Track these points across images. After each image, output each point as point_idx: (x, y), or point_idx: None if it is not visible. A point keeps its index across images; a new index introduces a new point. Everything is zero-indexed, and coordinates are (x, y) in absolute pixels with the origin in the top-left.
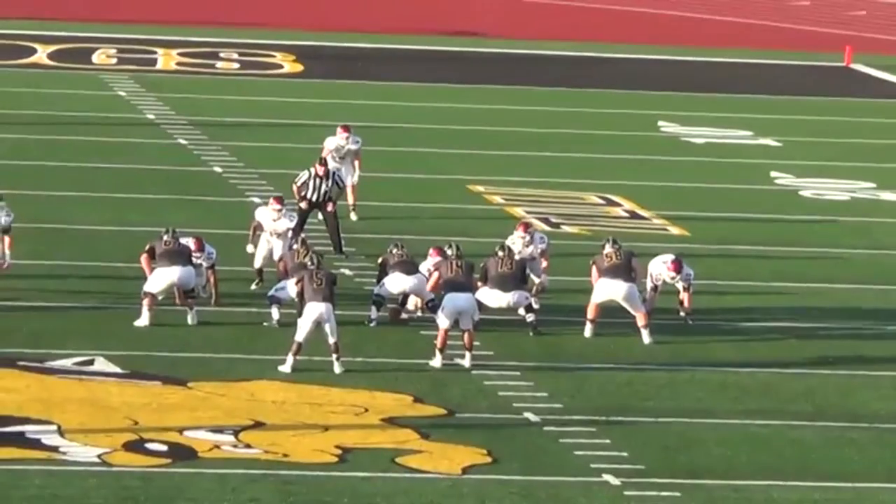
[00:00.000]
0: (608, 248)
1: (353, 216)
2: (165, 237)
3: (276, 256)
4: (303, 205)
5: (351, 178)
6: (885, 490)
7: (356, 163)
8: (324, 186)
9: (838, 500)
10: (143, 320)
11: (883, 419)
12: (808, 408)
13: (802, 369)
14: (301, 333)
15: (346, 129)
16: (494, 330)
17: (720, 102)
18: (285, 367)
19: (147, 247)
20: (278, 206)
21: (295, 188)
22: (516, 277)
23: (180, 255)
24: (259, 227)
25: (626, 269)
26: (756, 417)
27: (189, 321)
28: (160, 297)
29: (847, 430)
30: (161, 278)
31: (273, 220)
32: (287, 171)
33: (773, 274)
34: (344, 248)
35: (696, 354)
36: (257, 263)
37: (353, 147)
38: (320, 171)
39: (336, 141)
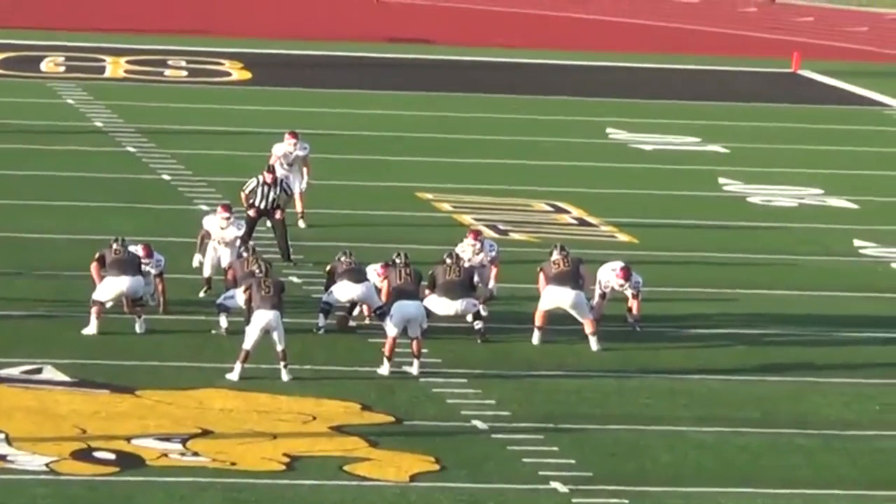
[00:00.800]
0: (556, 255)
1: (302, 223)
2: (115, 246)
3: (224, 264)
4: (251, 212)
5: (299, 186)
6: (832, 496)
7: (304, 169)
8: (272, 194)
9: None
10: (92, 328)
11: (831, 426)
12: (756, 414)
13: (751, 376)
14: (249, 341)
15: (294, 135)
16: (442, 337)
17: (668, 109)
18: (233, 375)
19: (97, 255)
20: (226, 215)
21: (243, 196)
22: (464, 285)
23: (130, 265)
24: (207, 236)
25: (574, 276)
26: (704, 424)
27: (137, 329)
28: (109, 306)
29: (795, 437)
30: (110, 287)
31: (221, 229)
32: (236, 179)
33: (722, 280)
34: (292, 256)
35: (645, 361)
36: (206, 272)
37: (301, 153)
38: (268, 178)
39: (284, 147)
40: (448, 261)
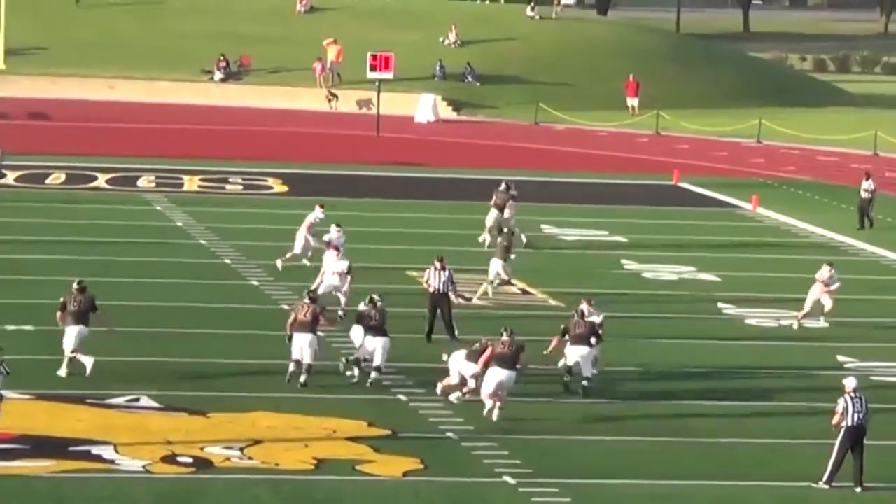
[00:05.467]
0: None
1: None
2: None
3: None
4: (430, 291)
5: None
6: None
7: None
8: (443, 276)
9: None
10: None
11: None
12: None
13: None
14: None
15: (322, 206)
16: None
17: (585, 210)
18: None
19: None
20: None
21: (423, 278)
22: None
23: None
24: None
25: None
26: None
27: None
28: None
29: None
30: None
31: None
32: (275, 262)
33: (624, 332)
34: (456, 334)
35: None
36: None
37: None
38: (438, 265)
39: (315, 214)
40: (576, 317)
